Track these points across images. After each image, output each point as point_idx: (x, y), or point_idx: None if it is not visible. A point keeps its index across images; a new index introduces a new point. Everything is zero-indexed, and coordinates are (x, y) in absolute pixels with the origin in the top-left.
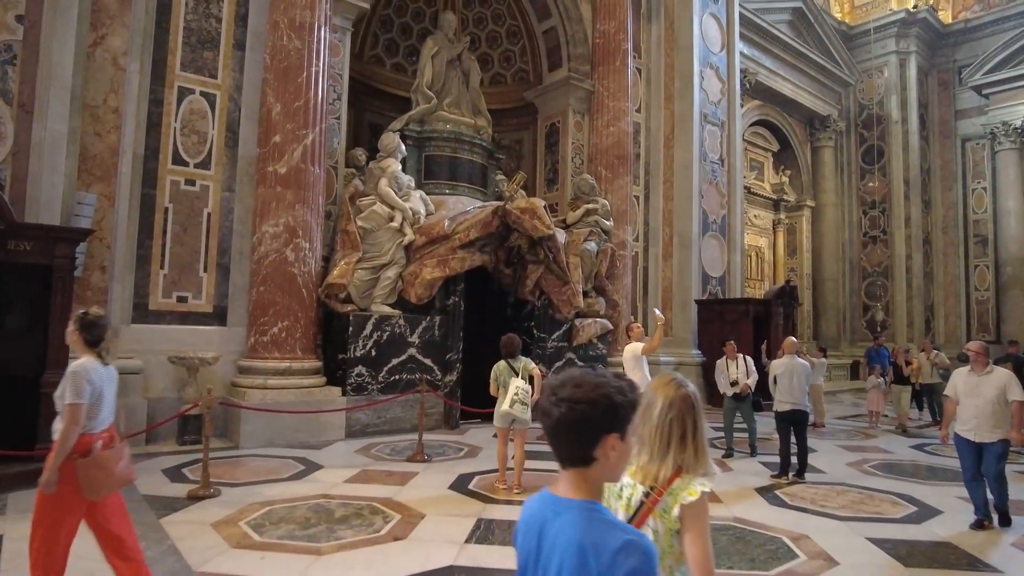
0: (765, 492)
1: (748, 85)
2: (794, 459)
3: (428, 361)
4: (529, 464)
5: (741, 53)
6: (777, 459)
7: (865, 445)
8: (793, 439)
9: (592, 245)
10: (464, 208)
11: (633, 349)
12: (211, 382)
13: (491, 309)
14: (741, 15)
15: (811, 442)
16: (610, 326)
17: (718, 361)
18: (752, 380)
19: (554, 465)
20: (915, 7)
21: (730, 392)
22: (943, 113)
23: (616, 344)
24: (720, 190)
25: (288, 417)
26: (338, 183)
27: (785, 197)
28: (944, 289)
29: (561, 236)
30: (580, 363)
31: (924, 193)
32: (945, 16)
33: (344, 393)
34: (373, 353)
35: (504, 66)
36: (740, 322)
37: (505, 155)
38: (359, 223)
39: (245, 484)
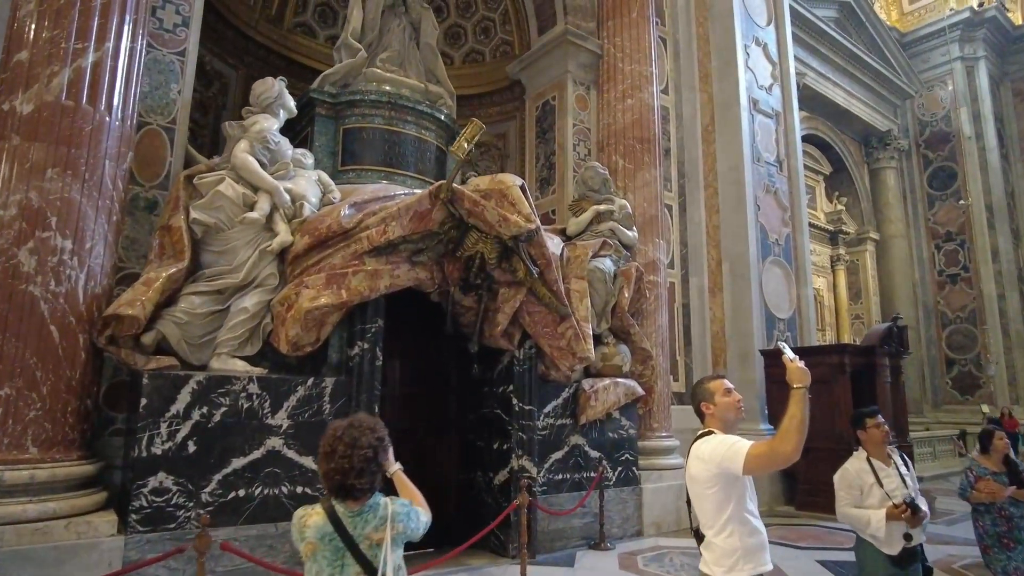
0: None
1: (798, 86)
2: None
3: (308, 461)
4: None
5: None
6: None
7: None
8: None
9: (607, 263)
10: (388, 194)
11: (727, 452)
12: None
13: (446, 364)
14: None
15: None
16: (639, 390)
17: (851, 466)
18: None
19: None
20: (981, 5)
21: (894, 547)
22: (1022, 128)
23: (650, 420)
24: (780, 201)
25: None
26: (172, 155)
27: (844, 228)
28: None
29: (555, 246)
30: (593, 452)
31: (1011, 221)
32: (1015, 17)
33: (126, 529)
34: (191, 448)
35: (481, 40)
36: (835, 381)
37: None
38: (195, 214)
39: None
